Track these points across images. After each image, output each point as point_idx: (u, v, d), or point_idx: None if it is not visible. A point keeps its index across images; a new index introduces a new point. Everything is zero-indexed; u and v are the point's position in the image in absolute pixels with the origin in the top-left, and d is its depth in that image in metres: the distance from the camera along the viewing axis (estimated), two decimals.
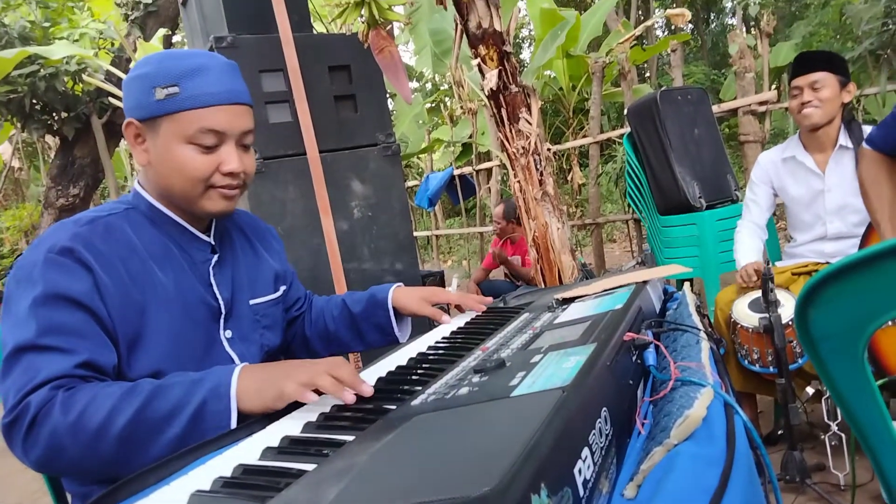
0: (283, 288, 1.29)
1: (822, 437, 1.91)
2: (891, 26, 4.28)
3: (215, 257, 1.14)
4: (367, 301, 1.35)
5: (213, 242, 1.15)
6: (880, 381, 1.53)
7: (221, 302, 1.12)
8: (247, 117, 1.07)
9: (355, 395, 0.84)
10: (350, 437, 0.70)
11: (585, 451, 0.56)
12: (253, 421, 0.84)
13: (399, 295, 1.33)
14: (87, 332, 0.93)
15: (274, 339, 1.24)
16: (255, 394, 0.86)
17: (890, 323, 1.67)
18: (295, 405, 0.87)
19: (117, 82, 5.39)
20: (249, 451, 0.74)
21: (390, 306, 1.32)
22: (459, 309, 1.37)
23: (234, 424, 0.85)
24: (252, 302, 1.19)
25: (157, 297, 1.02)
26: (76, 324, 0.93)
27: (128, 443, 0.85)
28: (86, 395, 0.86)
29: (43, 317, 0.91)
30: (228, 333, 1.13)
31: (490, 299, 1.39)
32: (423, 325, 1.36)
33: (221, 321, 1.12)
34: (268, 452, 0.72)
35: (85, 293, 0.94)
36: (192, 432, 0.85)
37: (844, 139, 2.16)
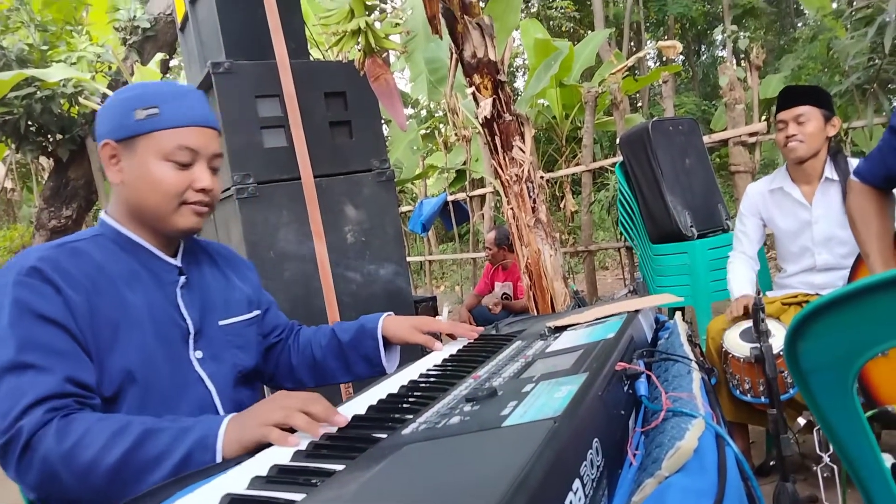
0: (256, 311, 1.30)
1: (814, 468, 1.90)
2: (876, 61, 4.38)
3: (182, 279, 1.16)
4: (355, 330, 1.34)
5: (179, 265, 1.17)
6: (869, 413, 1.53)
7: (190, 322, 1.13)
8: (217, 141, 1.16)
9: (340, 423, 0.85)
10: (340, 467, 0.69)
11: (577, 483, 0.56)
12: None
13: (389, 324, 1.33)
14: (64, 349, 0.95)
15: (247, 360, 1.24)
16: (237, 443, 0.87)
17: (879, 354, 1.68)
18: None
19: None
20: (237, 480, 0.73)
21: (379, 336, 1.31)
22: (452, 337, 1.36)
23: None
24: (222, 322, 1.20)
25: (127, 316, 1.04)
26: (52, 341, 0.94)
27: (117, 480, 0.86)
28: (81, 427, 0.88)
29: (19, 336, 0.93)
30: (199, 354, 1.14)
31: (482, 329, 1.38)
32: (415, 352, 1.35)
33: (191, 341, 1.13)
34: (256, 481, 0.71)
35: (57, 311, 0.96)
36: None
37: (830, 172, 2.19)
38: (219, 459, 0.86)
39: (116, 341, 1.02)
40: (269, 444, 0.84)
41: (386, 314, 1.35)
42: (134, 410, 1.01)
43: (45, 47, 5.71)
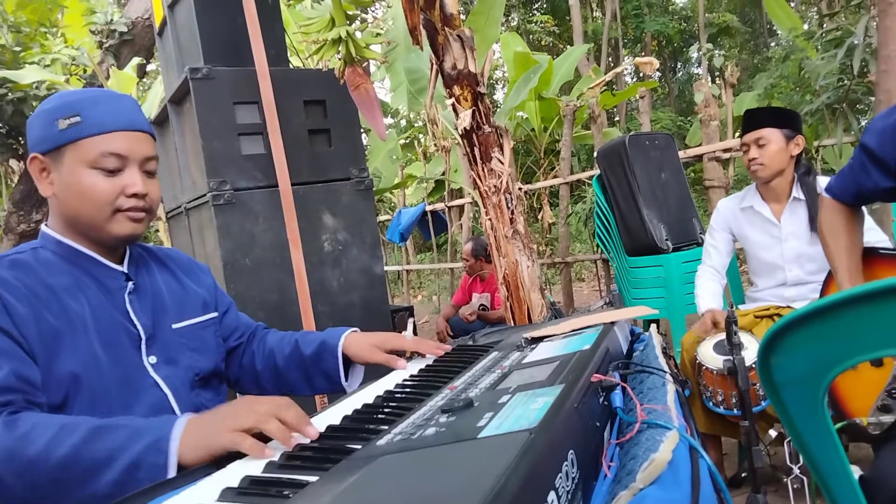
0: (213, 313, 1.28)
1: (785, 480, 1.93)
2: (845, 82, 4.49)
3: (130, 284, 1.14)
4: (318, 344, 1.30)
5: (125, 271, 1.15)
6: (839, 425, 1.56)
7: (140, 328, 1.12)
8: (148, 144, 1.13)
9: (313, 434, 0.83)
10: (314, 478, 0.69)
11: (552, 495, 0.56)
12: (198, 469, 0.81)
13: (350, 342, 1.28)
14: (7, 350, 0.94)
15: (204, 363, 1.21)
16: (201, 448, 0.83)
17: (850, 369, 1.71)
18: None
19: None
20: (208, 491, 0.71)
21: (340, 353, 1.28)
22: (420, 354, 1.31)
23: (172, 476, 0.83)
24: (175, 326, 1.18)
25: (71, 325, 1.03)
26: None
27: (62, 479, 0.83)
28: (28, 422, 0.86)
29: None
30: (153, 359, 1.12)
31: (449, 347, 1.32)
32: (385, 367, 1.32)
33: (143, 346, 1.12)
34: (227, 493, 0.70)
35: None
36: (128, 480, 0.83)
37: (797, 191, 2.23)
38: (172, 462, 0.83)
39: (60, 349, 1.00)
40: (241, 454, 0.82)
41: (350, 330, 1.31)
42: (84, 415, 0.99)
43: (18, 48, 5.60)
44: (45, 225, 1.14)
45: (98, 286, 1.10)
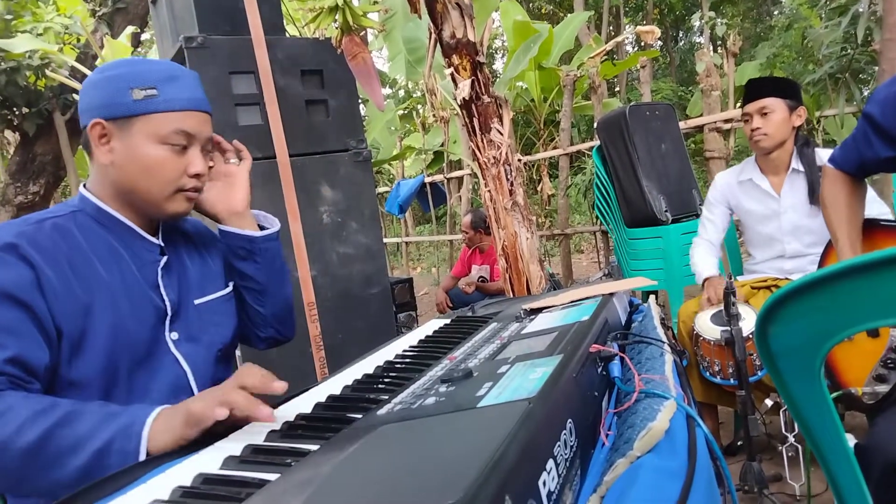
0: (231, 284, 1.28)
1: (780, 448, 1.96)
2: (849, 51, 4.44)
3: (164, 259, 1.14)
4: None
5: (161, 244, 1.15)
6: (835, 395, 1.58)
7: (168, 303, 1.11)
8: (210, 125, 1.13)
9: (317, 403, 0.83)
10: (314, 447, 0.69)
11: (550, 463, 0.56)
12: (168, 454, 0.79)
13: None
14: (19, 329, 0.92)
15: (226, 335, 1.22)
16: (167, 431, 0.82)
17: (846, 339, 1.72)
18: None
19: (82, 78, 5.26)
20: (211, 459, 0.72)
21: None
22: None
23: None
24: (198, 301, 1.18)
25: (101, 297, 1.02)
26: (8, 320, 0.92)
27: (31, 463, 0.82)
28: (3, 404, 0.84)
29: None
30: (174, 335, 1.12)
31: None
32: (386, 334, 1.33)
33: (167, 322, 1.11)
34: (230, 461, 0.71)
35: (23, 289, 0.93)
36: (97, 466, 0.82)
37: (796, 163, 2.22)
38: (142, 449, 0.82)
39: (89, 325, 0.99)
40: (210, 441, 0.79)
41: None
42: (102, 393, 0.99)
43: (9, 17, 5.51)
44: (85, 187, 1.12)
45: (133, 257, 1.09)
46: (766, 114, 2.17)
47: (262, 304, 1.29)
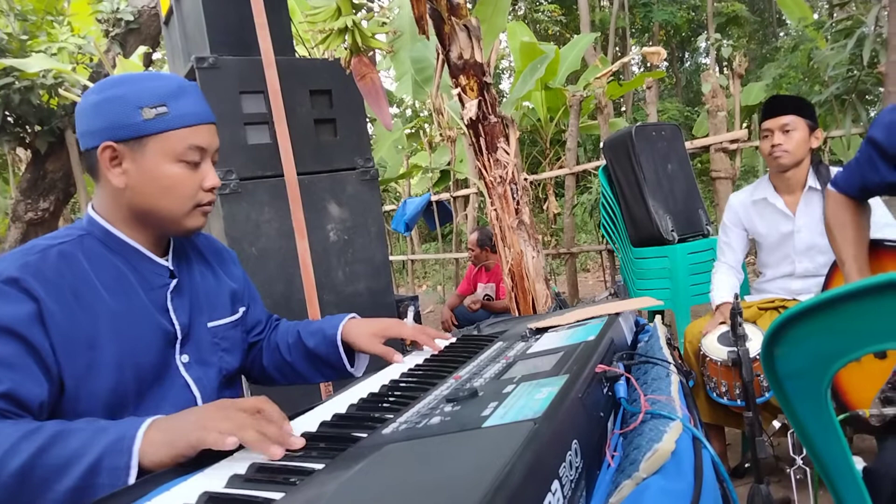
0: (241, 309, 1.26)
1: (788, 470, 1.93)
2: (855, 73, 4.46)
3: (174, 282, 1.12)
4: (319, 335, 1.29)
5: (171, 267, 1.13)
6: (841, 417, 1.56)
7: (178, 327, 1.09)
8: (217, 135, 1.12)
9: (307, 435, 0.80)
10: (319, 466, 0.69)
11: (555, 484, 0.56)
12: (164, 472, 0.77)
13: (349, 329, 1.27)
14: (16, 363, 0.89)
15: (233, 362, 1.20)
16: (164, 445, 0.79)
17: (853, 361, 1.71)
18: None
19: None
20: (216, 478, 0.72)
21: (339, 342, 1.26)
22: (417, 346, 1.29)
23: (132, 481, 0.77)
24: (210, 325, 1.16)
25: (107, 327, 0.99)
26: (5, 355, 0.89)
27: (21, 487, 0.79)
28: None
29: None
30: (185, 358, 1.10)
31: (446, 340, 1.28)
32: (396, 345, 1.33)
33: (178, 346, 1.10)
34: (234, 480, 0.71)
35: (23, 323, 0.91)
36: (88, 486, 0.78)
37: (813, 181, 2.22)
38: (133, 464, 0.78)
39: (94, 357, 0.97)
40: (214, 459, 0.78)
41: (349, 317, 1.30)
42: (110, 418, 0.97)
43: (24, 37, 5.61)
44: (93, 209, 1.09)
45: (140, 280, 1.07)
46: (787, 131, 2.17)
47: (283, 378, 1.33)
